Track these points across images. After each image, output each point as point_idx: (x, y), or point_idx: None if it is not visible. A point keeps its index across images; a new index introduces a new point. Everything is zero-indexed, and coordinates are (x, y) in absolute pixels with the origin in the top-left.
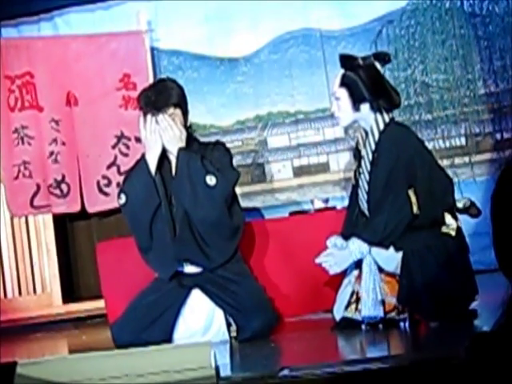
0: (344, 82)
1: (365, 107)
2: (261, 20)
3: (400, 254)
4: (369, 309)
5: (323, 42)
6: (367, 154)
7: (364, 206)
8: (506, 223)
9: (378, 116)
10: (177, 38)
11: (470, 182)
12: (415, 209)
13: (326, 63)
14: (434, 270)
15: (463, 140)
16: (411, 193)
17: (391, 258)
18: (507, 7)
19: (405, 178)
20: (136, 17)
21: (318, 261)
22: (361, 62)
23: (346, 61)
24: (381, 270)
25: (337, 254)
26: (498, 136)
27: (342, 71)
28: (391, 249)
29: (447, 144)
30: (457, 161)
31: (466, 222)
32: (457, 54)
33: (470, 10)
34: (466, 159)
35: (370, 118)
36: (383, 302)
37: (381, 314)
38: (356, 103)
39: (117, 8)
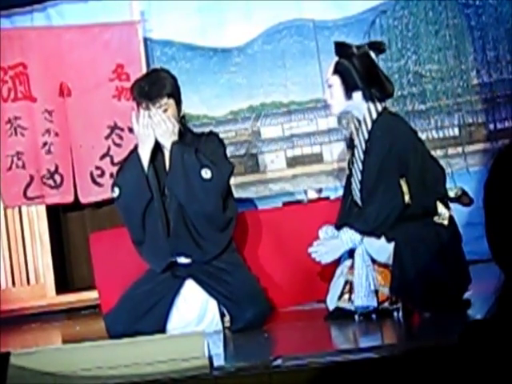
0: (337, 70)
1: (357, 95)
2: (254, 10)
3: (392, 245)
4: (361, 299)
5: (316, 32)
6: (360, 143)
7: (357, 195)
8: (499, 213)
9: (371, 105)
10: (170, 28)
11: (464, 173)
12: (407, 198)
13: (320, 53)
14: (426, 260)
15: (456, 130)
16: (403, 182)
17: (383, 249)
18: None
19: (397, 168)
20: (129, 7)
21: (310, 250)
22: (355, 50)
23: (341, 48)
24: (373, 260)
25: (328, 244)
26: (492, 126)
27: (335, 59)
28: (383, 239)
29: (440, 134)
30: (450, 151)
31: (459, 212)
32: (450, 45)
33: (463, 0)
34: (460, 149)
35: (362, 107)
36: (376, 292)
37: (374, 303)
38: (348, 91)
39: None
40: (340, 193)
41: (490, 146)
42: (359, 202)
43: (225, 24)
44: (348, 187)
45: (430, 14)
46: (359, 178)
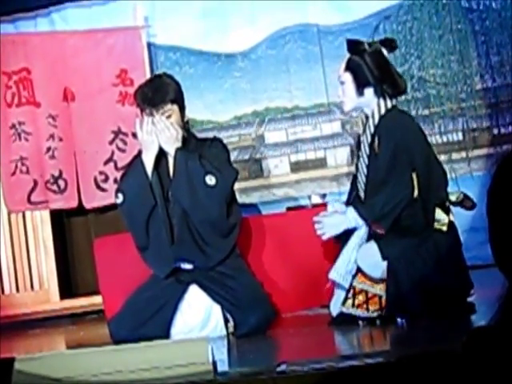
0: (349, 67)
1: (369, 92)
2: (258, 15)
3: (385, 261)
4: (337, 274)
5: (320, 37)
6: (366, 138)
7: (362, 188)
8: (502, 218)
9: (381, 101)
10: (174, 33)
11: (468, 177)
12: (415, 193)
13: (324, 58)
14: (422, 274)
15: (460, 135)
16: (414, 176)
17: (377, 265)
18: (504, 2)
19: (408, 161)
20: (133, 12)
21: (314, 219)
22: (367, 46)
23: (352, 45)
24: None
25: (333, 217)
26: (495, 131)
27: (347, 56)
28: (377, 256)
29: (444, 139)
30: (454, 156)
31: (463, 217)
32: (454, 49)
33: (466, 5)
34: (463, 154)
35: (373, 103)
36: (380, 298)
37: (346, 285)
38: (360, 88)
39: (113, 3)
40: (344, 198)
41: (493, 150)
42: (362, 195)
43: (229, 29)
44: (354, 182)
45: (434, 19)
46: (365, 172)
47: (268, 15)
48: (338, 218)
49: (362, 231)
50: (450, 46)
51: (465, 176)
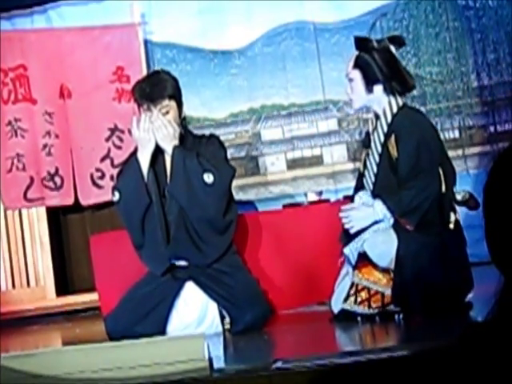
0: (357, 64)
1: (378, 89)
2: (254, 13)
3: (393, 251)
4: (351, 249)
5: (317, 34)
6: (378, 136)
7: (369, 186)
8: (498, 215)
9: (392, 99)
10: (170, 30)
11: (464, 175)
12: (443, 188)
13: (320, 56)
14: (428, 269)
15: (457, 133)
16: (441, 171)
17: (385, 254)
18: (500, 0)
19: (431, 156)
20: (129, 9)
21: (341, 215)
22: (375, 44)
23: (361, 43)
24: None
25: (361, 210)
26: (492, 129)
27: (356, 53)
28: (386, 245)
29: (441, 136)
30: (450, 153)
31: (459, 214)
32: (450, 47)
33: (463, 3)
34: (460, 152)
35: (383, 101)
36: (383, 295)
37: (353, 260)
38: (369, 85)
39: (110, 0)
40: (340, 195)
41: (490, 148)
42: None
43: (225, 26)
44: (360, 181)
45: (431, 17)
46: (374, 171)
47: (264, 12)
48: (365, 210)
49: (391, 222)
50: (447, 43)
51: (461, 174)
